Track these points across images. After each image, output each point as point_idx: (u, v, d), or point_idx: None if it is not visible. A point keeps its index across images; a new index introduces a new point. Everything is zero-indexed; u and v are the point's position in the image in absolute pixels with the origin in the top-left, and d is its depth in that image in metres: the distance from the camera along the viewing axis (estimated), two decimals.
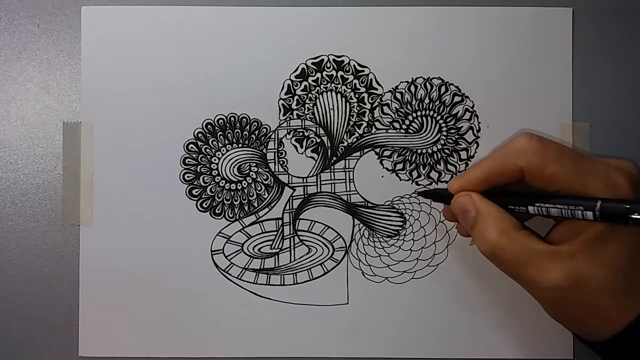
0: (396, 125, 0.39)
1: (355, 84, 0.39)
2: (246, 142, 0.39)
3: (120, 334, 0.39)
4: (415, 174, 0.39)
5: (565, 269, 0.30)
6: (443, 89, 0.39)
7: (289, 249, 0.39)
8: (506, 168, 0.32)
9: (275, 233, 0.39)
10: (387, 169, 0.39)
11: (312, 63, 0.39)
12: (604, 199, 0.29)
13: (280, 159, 0.39)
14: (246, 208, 0.39)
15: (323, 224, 0.39)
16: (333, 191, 0.39)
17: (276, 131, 0.39)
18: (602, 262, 0.29)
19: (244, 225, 0.39)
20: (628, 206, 0.28)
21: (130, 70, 0.39)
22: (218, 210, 0.39)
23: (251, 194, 0.39)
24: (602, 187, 0.30)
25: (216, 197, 0.39)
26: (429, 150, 0.39)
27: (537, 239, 0.31)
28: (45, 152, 0.40)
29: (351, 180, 0.39)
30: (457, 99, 0.39)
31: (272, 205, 0.39)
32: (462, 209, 0.33)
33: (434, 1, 0.39)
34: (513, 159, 0.32)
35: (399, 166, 0.39)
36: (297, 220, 0.39)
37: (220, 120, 0.39)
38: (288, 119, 0.39)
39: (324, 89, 0.39)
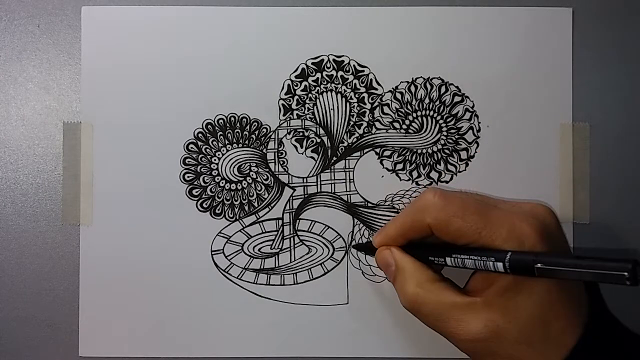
0: (396, 125, 0.39)
1: (355, 84, 0.39)
2: (246, 142, 0.39)
3: (120, 334, 0.39)
4: (415, 174, 0.39)
5: (483, 321, 0.30)
6: (443, 89, 0.39)
7: (289, 249, 0.39)
8: (415, 224, 0.33)
9: (275, 233, 0.39)
10: (387, 169, 0.39)
11: (312, 63, 0.39)
12: (514, 251, 0.29)
13: (280, 159, 0.39)
14: (246, 208, 0.39)
15: (323, 224, 0.39)
16: (333, 191, 0.39)
17: (276, 131, 0.39)
18: (516, 312, 0.30)
19: (244, 225, 0.39)
20: (534, 258, 0.28)
21: (130, 70, 0.39)
22: (218, 210, 0.39)
23: (251, 194, 0.39)
24: (506, 238, 0.30)
25: (216, 197, 0.39)
26: (429, 150, 0.39)
27: (454, 291, 0.32)
28: (45, 152, 0.40)
29: (351, 180, 0.39)
30: (457, 99, 0.39)
31: (272, 205, 0.39)
32: (384, 263, 0.34)
33: (434, 1, 0.39)
34: (420, 215, 0.32)
35: (399, 166, 0.39)
36: (297, 220, 0.39)
37: (220, 120, 0.39)
38: (288, 119, 0.39)
39: (324, 89, 0.39)
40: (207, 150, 0.39)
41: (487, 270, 0.30)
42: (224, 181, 0.39)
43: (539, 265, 0.28)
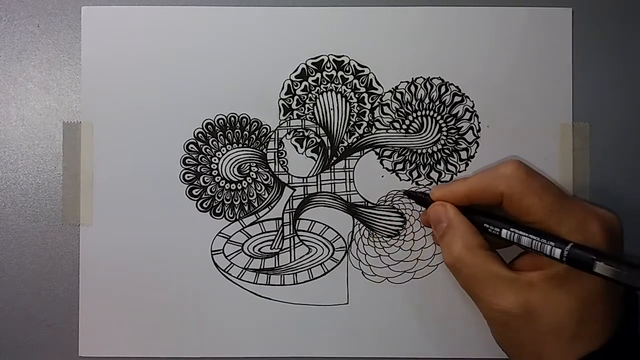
0: (396, 125, 0.39)
1: (355, 84, 0.39)
2: (246, 142, 0.39)
3: (120, 334, 0.39)
4: (415, 174, 0.39)
5: (520, 298, 0.30)
6: (443, 89, 0.39)
7: (289, 249, 0.39)
8: (488, 189, 0.32)
9: (275, 233, 0.39)
10: (387, 169, 0.39)
11: (312, 63, 0.39)
12: (576, 243, 0.29)
13: (280, 159, 0.39)
14: (246, 208, 0.39)
15: (323, 224, 0.39)
16: (333, 191, 0.39)
17: (276, 131, 0.39)
18: (556, 301, 0.30)
19: (244, 225, 0.39)
20: (595, 257, 0.28)
21: (130, 70, 0.39)
22: (218, 210, 0.39)
23: (251, 194, 0.39)
24: (574, 229, 0.30)
25: (216, 197, 0.39)
26: (429, 150, 0.39)
27: (500, 262, 0.32)
28: (45, 152, 0.40)
29: (351, 180, 0.39)
30: (457, 99, 0.39)
31: (272, 205, 0.39)
32: (436, 218, 0.34)
33: (434, 1, 0.39)
34: (496, 181, 0.32)
35: (399, 166, 0.39)
36: (297, 220, 0.39)
37: (220, 120, 0.39)
38: (288, 119, 0.39)
39: (324, 89, 0.39)
40: (207, 150, 0.39)
41: (541, 253, 0.30)
42: (224, 181, 0.39)
43: (600, 262, 0.28)
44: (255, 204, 0.39)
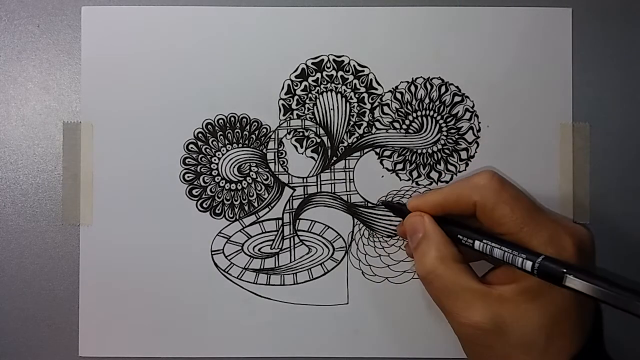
0: (396, 125, 0.39)
1: (355, 84, 0.39)
2: (246, 142, 0.39)
3: (120, 334, 0.39)
4: (415, 174, 0.39)
5: (491, 311, 0.30)
6: (443, 89, 0.39)
7: (289, 249, 0.39)
8: (462, 199, 0.32)
9: (275, 233, 0.39)
10: (387, 169, 0.39)
11: (312, 63, 0.39)
12: (547, 256, 0.29)
13: (280, 159, 0.39)
14: (246, 208, 0.39)
15: (323, 224, 0.39)
16: (333, 191, 0.39)
17: (276, 131, 0.39)
18: (527, 316, 0.30)
19: (244, 225, 0.39)
20: (565, 270, 0.28)
21: (130, 70, 0.39)
22: (218, 210, 0.39)
23: (251, 194, 0.39)
24: (546, 242, 0.30)
25: (216, 197, 0.39)
26: (429, 150, 0.39)
27: (472, 275, 0.31)
28: (45, 152, 0.40)
29: (351, 180, 0.39)
30: (457, 99, 0.39)
31: (272, 205, 0.39)
32: (413, 228, 0.34)
33: (434, 1, 0.39)
34: (470, 191, 0.32)
35: (399, 166, 0.39)
36: (297, 220, 0.39)
37: (220, 120, 0.39)
38: (288, 119, 0.39)
39: (324, 89, 0.39)
40: (207, 150, 0.39)
41: (513, 265, 0.30)
42: (224, 181, 0.39)
43: (570, 276, 0.28)
44: (255, 204, 0.39)
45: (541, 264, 0.29)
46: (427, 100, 0.39)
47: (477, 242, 0.32)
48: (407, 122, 0.39)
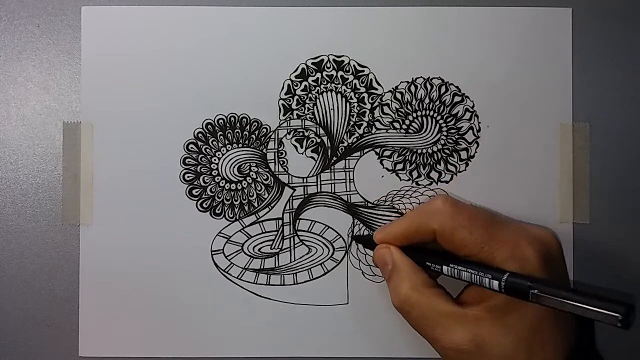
0: (396, 125, 0.39)
1: (355, 84, 0.39)
2: (246, 142, 0.39)
3: (120, 334, 0.39)
4: (415, 174, 0.39)
5: (469, 333, 0.30)
6: (443, 89, 0.39)
7: (289, 249, 0.39)
8: (421, 228, 0.33)
9: (275, 233, 0.39)
10: (387, 169, 0.39)
11: (312, 63, 0.39)
12: (512, 272, 0.29)
13: (280, 159, 0.39)
14: (246, 208, 0.39)
15: (323, 224, 0.39)
16: (333, 191, 0.39)
17: (276, 131, 0.39)
18: (504, 331, 0.30)
19: (244, 225, 0.39)
20: (530, 284, 0.28)
21: (130, 70, 0.39)
22: (218, 210, 0.39)
23: (251, 194, 0.39)
24: (508, 258, 0.30)
25: (216, 197, 0.39)
26: (429, 150, 0.39)
27: (446, 299, 0.32)
28: (45, 152, 0.40)
29: (351, 180, 0.39)
30: (457, 99, 0.39)
31: (272, 205, 0.39)
32: (381, 261, 0.35)
33: (434, 1, 0.39)
34: (427, 219, 0.32)
35: (399, 166, 0.39)
36: (297, 220, 0.39)
37: (220, 120, 0.39)
38: (288, 119, 0.39)
39: (324, 89, 0.39)
40: (207, 150, 0.39)
41: (482, 285, 0.30)
42: (224, 181, 0.39)
43: (534, 291, 0.28)
44: (255, 204, 0.39)
45: (507, 281, 0.29)
46: (427, 100, 0.39)
47: (444, 267, 0.32)
48: (407, 122, 0.39)
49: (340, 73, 0.39)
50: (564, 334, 0.31)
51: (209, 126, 0.39)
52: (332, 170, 0.39)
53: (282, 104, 0.39)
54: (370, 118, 0.39)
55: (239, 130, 0.39)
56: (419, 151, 0.39)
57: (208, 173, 0.39)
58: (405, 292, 0.32)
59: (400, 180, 0.39)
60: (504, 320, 0.30)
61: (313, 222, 0.39)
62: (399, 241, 0.34)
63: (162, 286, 0.39)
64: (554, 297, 0.28)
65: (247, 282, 0.39)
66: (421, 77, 0.39)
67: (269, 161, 0.39)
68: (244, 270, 0.39)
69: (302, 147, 0.39)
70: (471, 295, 0.32)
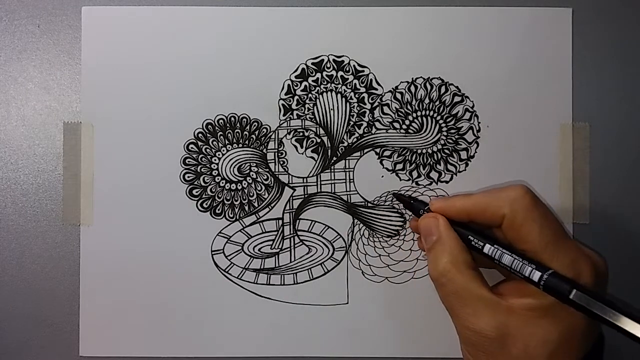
0: (396, 125, 0.39)
1: (355, 84, 0.39)
2: (246, 142, 0.39)
3: (120, 334, 0.39)
4: (415, 174, 0.39)
5: (497, 321, 0.30)
6: (443, 89, 0.39)
7: (289, 249, 0.39)
8: (490, 209, 0.32)
9: (275, 233, 0.40)
10: (387, 169, 0.39)
11: (312, 63, 0.39)
12: (556, 272, 0.29)
13: (280, 159, 0.39)
14: (246, 208, 0.39)
15: (323, 224, 0.39)
16: (333, 191, 0.39)
17: (276, 131, 0.39)
18: (532, 331, 0.30)
19: (244, 225, 0.39)
20: (574, 284, 0.28)
21: (130, 70, 0.39)
22: (218, 210, 0.39)
23: (251, 194, 0.40)
24: (566, 266, 0.30)
25: (216, 197, 0.39)
26: (429, 150, 0.39)
27: (482, 283, 0.31)
28: (45, 152, 0.40)
29: (351, 180, 0.39)
30: (457, 99, 0.39)
31: (272, 205, 0.39)
32: (427, 230, 0.34)
33: (434, 1, 0.39)
34: (501, 202, 0.32)
35: (399, 166, 0.39)
36: (297, 220, 0.39)
37: (221, 121, 0.39)
38: (288, 119, 0.39)
39: (324, 89, 0.39)
40: (207, 150, 0.39)
41: (520, 274, 0.30)
42: (224, 181, 0.40)
43: (575, 291, 0.28)
44: (255, 204, 0.39)
45: (550, 274, 0.29)
46: (427, 100, 0.39)
47: (487, 246, 0.32)
48: (407, 122, 0.39)
49: (340, 73, 0.39)
50: (586, 345, 0.31)
51: (209, 126, 0.39)
52: (332, 170, 0.39)
53: (282, 104, 0.39)
54: (370, 118, 0.39)
55: (239, 130, 0.39)
56: (419, 151, 0.39)
57: (208, 173, 0.39)
58: (444, 265, 0.32)
59: (400, 180, 0.39)
60: (536, 320, 0.30)
61: (313, 222, 0.39)
62: (458, 215, 0.33)
63: (162, 286, 0.39)
64: (594, 300, 0.28)
65: (247, 282, 0.39)
66: (421, 77, 0.39)
67: (269, 161, 0.39)
68: (244, 270, 0.39)
69: (302, 147, 0.39)
70: (508, 288, 0.32)
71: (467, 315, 0.31)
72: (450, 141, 0.39)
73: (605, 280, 0.32)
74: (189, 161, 0.39)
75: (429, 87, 0.39)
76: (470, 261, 0.32)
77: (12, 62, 0.40)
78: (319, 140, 0.39)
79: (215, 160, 0.39)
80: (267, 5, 0.39)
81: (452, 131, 0.39)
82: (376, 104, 0.39)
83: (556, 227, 0.31)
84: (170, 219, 0.39)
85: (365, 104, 0.39)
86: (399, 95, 0.39)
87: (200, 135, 0.39)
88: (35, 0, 0.40)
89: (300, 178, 0.40)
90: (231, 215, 0.39)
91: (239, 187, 0.40)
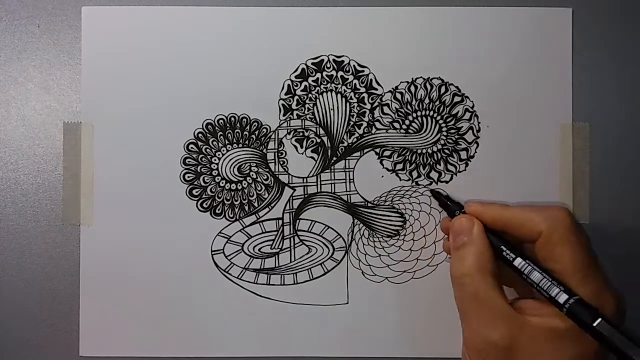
0: (396, 125, 0.39)
1: (355, 84, 0.39)
2: (246, 142, 0.39)
3: (120, 334, 0.39)
4: (415, 174, 0.39)
5: (510, 333, 0.30)
6: (443, 89, 0.39)
7: (289, 249, 0.39)
8: (528, 224, 0.32)
9: (275, 233, 0.40)
10: (387, 169, 0.39)
11: (312, 63, 0.39)
12: (583, 299, 0.30)
13: (280, 159, 0.39)
14: (246, 208, 0.39)
15: (323, 224, 0.39)
16: (333, 191, 0.39)
17: (276, 131, 0.39)
18: (542, 351, 0.30)
19: (244, 225, 0.39)
20: (601, 312, 0.29)
21: (131, 70, 0.39)
22: (218, 210, 0.39)
23: (251, 194, 0.40)
24: (592, 294, 0.30)
25: (216, 197, 0.39)
26: (429, 150, 0.39)
27: (502, 294, 0.32)
28: (45, 152, 0.40)
29: (351, 180, 0.39)
30: (457, 99, 0.39)
31: (272, 205, 0.39)
32: (459, 229, 0.34)
33: (434, 1, 0.39)
34: (539, 219, 0.32)
35: (399, 166, 0.39)
36: (297, 220, 0.39)
37: (221, 120, 0.39)
38: (288, 119, 0.39)
39: (324, 89, 0.39)
40: (207, 150, 0.39)
41: (546, 293, 0.30)
42: (224, 181, 0.40)
43: (600, 320, 0.28)
44: (255, 204, 0.39)
45: (576, 301, 0.29)
46: (427, 101, 0.39)
47: (518, 259, 0.32)
48: (407, 122, 0.39)
49: (340, 73, 0.39)
50: None
51: (209, 126, 0.39)
52: (332, 170, 0.39)
53: (282, 104, 0.39)
54: (370, 118, 0.39)
55: (239, 130, 0.39)
56: (419, 151, 0.39)
57: (208, 173, 0.39)
58: (470, 266, 0.32)
59: (400, 180, 0.39)
60: (549, 341, 0.30)
61: (313, 222, 0.39)
62: (493, 223, 0.33)
63: (162, 286, 0.39)
64: (621, 336, 0.28)
65: (247, 282, 0.39)
66: (421, 77, 0.39)
67: (269, 161, 0.39)
68: (244, 270, 0.39)
69: (302, 147, 0.39)
70: (527, 305, 0.32)
71: (481, 321, 0.31)
72: (450, 141, 0.39)
73: (623, 315, 0.32)
74: (189, 161, 0.39)
75: (429, 87, 0.39)
76: (495, 271, 0.32)
77: (12, 62, 0.40)
78: (319, 140, 0.39)
79: (215, 160, 0.39)
80: (267, 5, 0.39)
81: (452, 131, 0.39)
82: (376, 104, 0.39)
83: (589, 255, 0.31)
84: (170, 219, 0.39)
85: (365, 104, 0.39)
86: (399, 95, 0.39)
87: (200, 135, 0.39)
88: (35, 0, 0.40)
89: (300, 178, 0.40)
90: (231, 215, 0.39)
91: (239, 187, 0.40)
